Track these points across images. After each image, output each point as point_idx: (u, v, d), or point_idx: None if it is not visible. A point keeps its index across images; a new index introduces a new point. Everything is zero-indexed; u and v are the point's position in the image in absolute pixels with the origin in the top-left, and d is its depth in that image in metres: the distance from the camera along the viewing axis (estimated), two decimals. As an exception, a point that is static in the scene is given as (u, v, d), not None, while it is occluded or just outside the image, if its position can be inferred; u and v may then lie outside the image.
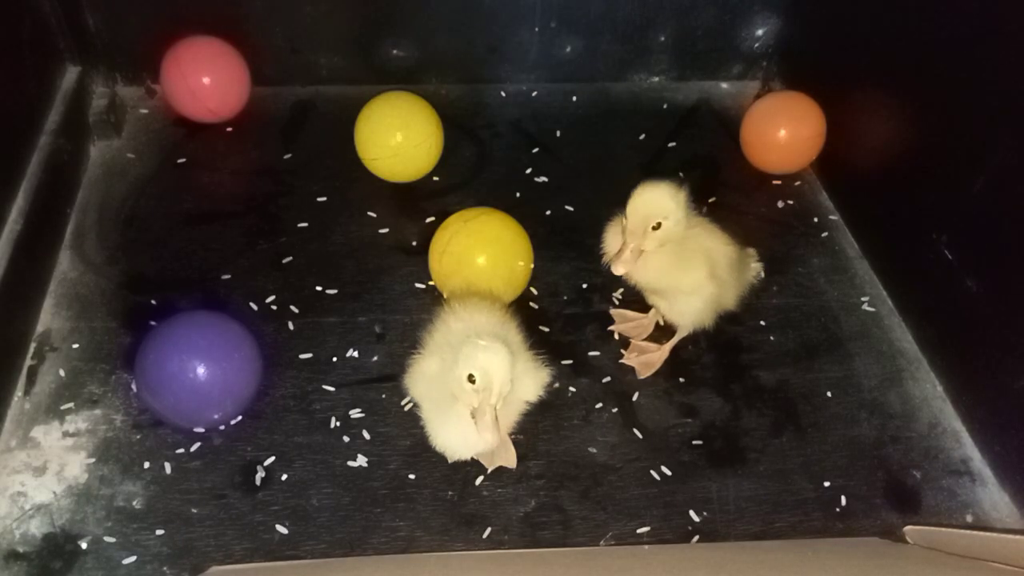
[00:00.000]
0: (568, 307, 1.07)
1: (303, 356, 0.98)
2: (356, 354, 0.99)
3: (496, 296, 0.94)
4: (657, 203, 0.87)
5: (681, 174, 0.93)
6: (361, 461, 0.90)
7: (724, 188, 1.23)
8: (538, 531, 0.85)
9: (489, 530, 0.85)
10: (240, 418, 0.92)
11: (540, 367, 0.84)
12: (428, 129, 1.14)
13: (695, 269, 0.91)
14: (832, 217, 1.21)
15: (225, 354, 0.87)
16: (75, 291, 1.04)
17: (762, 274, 1.04)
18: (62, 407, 0.92)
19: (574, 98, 1.37)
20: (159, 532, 0.83)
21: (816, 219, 1.21)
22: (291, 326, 1.02)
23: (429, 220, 1.15)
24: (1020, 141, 0.88)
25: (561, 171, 1.24)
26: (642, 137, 1.31)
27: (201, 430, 0.90)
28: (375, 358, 0.99)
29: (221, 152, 1.24)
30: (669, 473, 0.91)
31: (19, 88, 1.08)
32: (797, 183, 1.26)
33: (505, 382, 0.75)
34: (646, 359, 1.00)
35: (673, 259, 0.90)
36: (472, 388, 0.75)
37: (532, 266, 1.02)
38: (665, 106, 1.38)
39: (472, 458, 0.89)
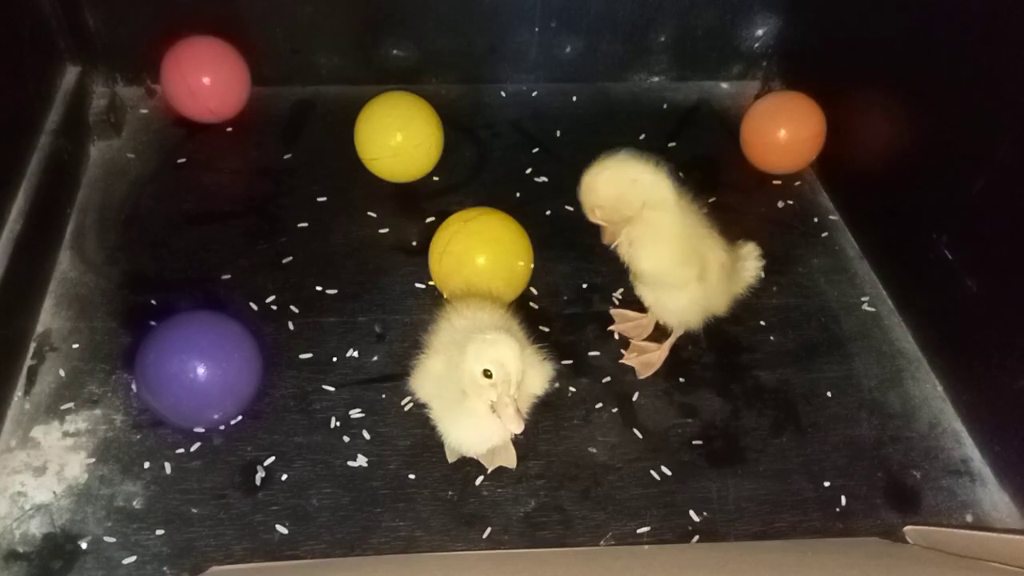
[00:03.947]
0: (568, 307, 1.07)
1: (303, 356, 0.98)
2: (356, 354, 0.99)
3: (496, 296, 0.94)
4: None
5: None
6: (361, 461, 0.90)
7: (724, 188, 1.23)
8: (538, 531, 0.85)
9: (489, 530, 0.85)
10: (240, 418, 0.92)
11: (543, 361, 0.85)
12: (428, 129, 1.14)
13: (686, 265, 0.90)
14: (832, 217, 1.21)
15: (225, 354, 0.87)
16: (75, 291, 1.04)
17: (762, 274, 1.04)
18: (62, 407, 0.92)
19: (574, 98, 1.37)
20: (159, 532, 0.83)
21: (816, 219, 1.21)
22: (291, 326, 1.02)
23: (429, 220, 1.15)
24: (1020, 141, 0.88)
25: (561, 171, 1.24)
26: (642, 137, 1.31)
27: (201, 430, 0.90)
28: (375, 358, 0.99)
29: (221, 152, 1.24)
30: (669, 473, 0.91)
31: (19, 88, 1.08)
32: (797, 183, 1.26)
33: (520, 371, 0.76)
34: (646, 359, 1.00)
35: (664, 247, 0.89)
36: (489, 383, 0.75)
37: (532, 266, 1.02)
38: (665, 106, 1.38)
39: (472, 458, 0.89)
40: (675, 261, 0.90)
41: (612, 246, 0.92)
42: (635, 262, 0.91)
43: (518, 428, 0.76)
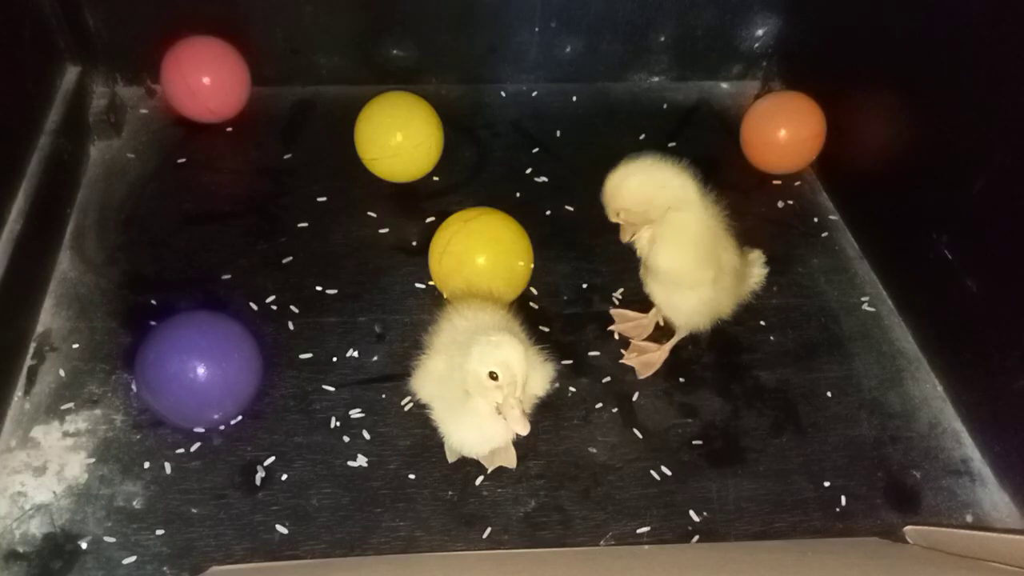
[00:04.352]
0: (568, 307, 1.07)
1: (303, 356, 0.98)
2: (356, 354, 0.99)
3: (496, 296, 0.94)
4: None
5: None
6: (361, 461, 0.90)
7: (724, 188, 1.22)
8: (538, 531, 0.85)
9: (489, 530, 0.85)
10: (240, 418, 0.92)
11: (545, 362, 0.85)
12: (428, 129, 1.14)
13: (703, 267, 0.90)
14: (832, 217, 1.21)
15: (225, 354, 0.87)
16: (75, 291, 1.04)
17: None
18: (62, 407, 0.92)
19: (574, 98, 1.37)
20: (159, 532, 0.83)
21: (816, 219, 1.21)
22: (291, 326, 1.02)
23: (429, 220, 1.15)
24: (1020, 141, 0.88)
25: (561, 171, 1.24)
26: (642, 137, 1.31)
27: (201, 430, 0.90)
28: (375, 358, 0.99)
29: (221, 152, 1.24)
30: (669, 473, 0.91)
31: (19, 88, 1.08)
32: (797, 183, 1.26)
33: (525, 372, 0.75)
34: (646, 359, 1.00)
35: (686, 247, 0.89)
36: (495, 385, 0.75)
37: (532, 266, 1.02)
38: (665, 106, 1.38)
39: (473, 458, 0.89)
40: (695, 262, 0.90)
41: (630, 242, 0.92)
42: (653, 259, 0.91)
43: (524, 430, 0.76)
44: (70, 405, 0.92)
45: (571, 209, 1.19)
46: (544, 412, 0.93)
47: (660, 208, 0.87)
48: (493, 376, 0.75)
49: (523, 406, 0.76)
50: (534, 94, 1.38)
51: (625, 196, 0.87)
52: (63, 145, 1.12)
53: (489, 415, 0.78)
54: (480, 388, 0.76)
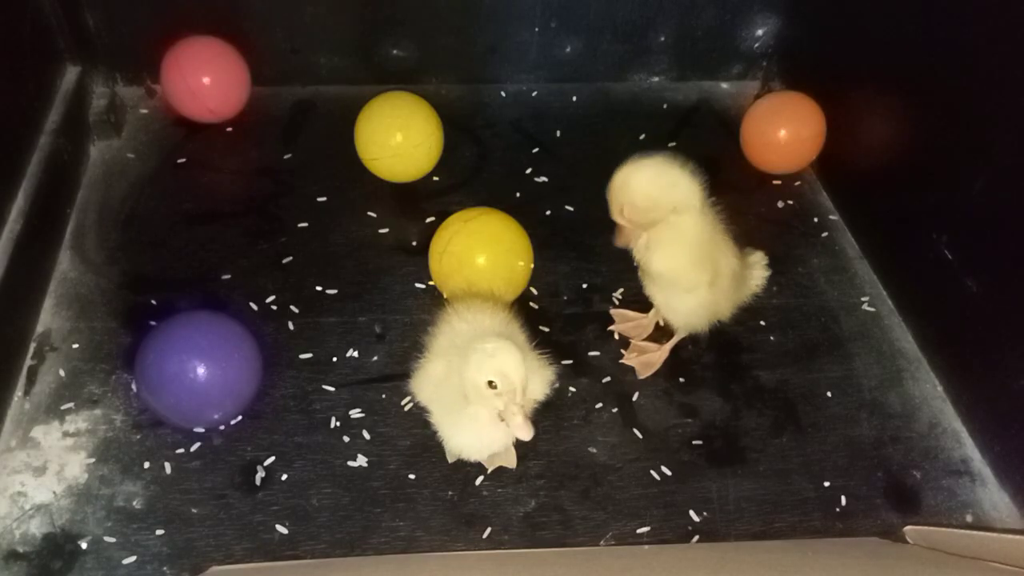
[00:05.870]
0: (568, 307, 1.07)
1: (303, 356, 0.98)
2: (356, 354, 0.99)
3: (496, 296, 0.94)
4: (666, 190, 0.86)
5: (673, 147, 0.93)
6: (361, 461, 0.90)
7: (724, 188, 1.22)
8: (538, 531, 0.85)
9: (489, 530, 0.85)
10: (240, 418, 0.92)
11: (545, 365, 0.84)
12: (428, 129, 1.14)
13: (699, 269, 0.90)
14: (832, 217, 1.21)
15: (225, 354, 0.87)
16: (75, 291, 1.04)
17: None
18: (62, 407, 0.92)
19: (574, 98, 1.37)
20: (159, 532, 0.83)
21: (816, 219, 1.21)
22: (291, 326, 1.02)
23: (429, 220, 1.15)
24: (1020, 141, 0.88)
25: (561, 171, 1.24)
26: (642, 137, 1.31)
27: (201, 430, 0.90)
28: (375, 358, 0.99)
29: (221, 152, 1.24)
30: (669, 473, 0.91)
31: (19, 88, 1.08)
32: (797, 183, 1.26)
33: (524, 378, 0.74)
34: (646, 359, 1.00)
35: (681, 250, 0.89)
36: (494, 393, 0.74)
37: (532, 266, 1.02)
38: (665, 106, 1.38)
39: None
40: (689, 265, 0.89)
41: (629, 247, 0.91)
42: (649, 262, 0.90)
43: (527, 436, 0.75)
44: (70, 405, 0.92)
45: (571, 209, 1.19)
46: (544, 412, 0.93)
47: (664, 208, 0.86)
48: (492, 385, 0.74)
49: (525, 411, 0.75)
50: (534, 94, 1.38)
51: (633, 191, 0.85)
52: (63, 145, 1.12)
53: (488, 421, 0.77)
54: (480, 397, 0.76)
